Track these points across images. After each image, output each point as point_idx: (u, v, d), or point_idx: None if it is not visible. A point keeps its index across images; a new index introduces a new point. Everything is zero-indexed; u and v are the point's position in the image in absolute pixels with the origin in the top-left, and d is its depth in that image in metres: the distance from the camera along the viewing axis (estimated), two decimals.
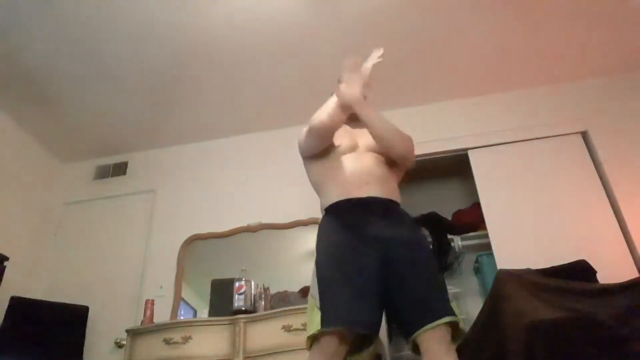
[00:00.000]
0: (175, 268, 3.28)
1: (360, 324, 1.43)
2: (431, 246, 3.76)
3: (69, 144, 3.81)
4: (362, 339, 1.52)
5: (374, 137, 1.77)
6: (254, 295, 2.78)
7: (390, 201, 1.68)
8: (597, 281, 2.42)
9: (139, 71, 3.16)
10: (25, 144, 3.61)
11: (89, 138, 3.76)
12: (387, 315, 1.60)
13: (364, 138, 1.85)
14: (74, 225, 3.67)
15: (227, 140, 3.82)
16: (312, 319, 1.47)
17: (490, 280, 2.79)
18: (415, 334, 1.44)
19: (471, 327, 2.39)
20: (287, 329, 2.39)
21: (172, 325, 2.59)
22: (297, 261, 3.10)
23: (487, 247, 3.11)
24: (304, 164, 1.91)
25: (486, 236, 3.14)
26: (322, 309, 1.44)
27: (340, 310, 1.43)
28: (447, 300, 1.48)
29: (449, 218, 3.92)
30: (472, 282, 3.72)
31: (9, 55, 2.98)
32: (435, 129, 3.46)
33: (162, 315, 2.97)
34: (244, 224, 3.36)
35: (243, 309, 2.66)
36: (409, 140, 1.80)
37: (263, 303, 2.78)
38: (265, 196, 3.45)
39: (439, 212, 3.86)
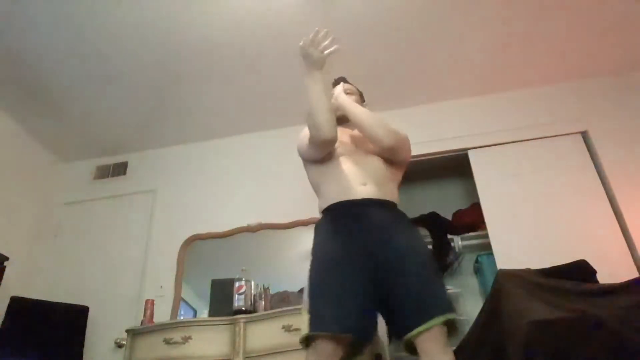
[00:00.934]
0: (175, 268, 3.28)
1: (347, 329, 1.43)
2: (430, 246, 3.76)
3: (69, 144, 3.81)
4: (359, 343, 1.51)
5: (360, 128, 1.78)
6: (254, 295, 2.79)
7: (386, 202, 1.68)
8: (597, 281, 2.41)
9: (139, 71, 3.16)
10: (25, 144, 3.61)
11: (89, 138, 3.76)
12: (384, 317, 1.60)
13: (362, 139, 1.85)
14: (74, 225, 3.67)
15: (227, 140, 3.82)
16: (303, 321, 1.49)
17: (490, 280, 2.80)
18: (408, 336, 1.43)
19: (471, 327, 2.39)
20: (287, 329, 2.39)
21: (172, 325, 2.58)
22: (297, 261, 3.10)
23: (487, 247, 3.11)
24: (304, 165, 1.92)
25: (486, 236, 3.14)
26: (311, 312, 1.47)
27: (327, 314, 1.44)
28: (443, 300, 1.46)
29: (449, 218, 3.92)
30: (472, 282, 3.72)
31: (9, 55, 2.98)
32: (435, 129, 3.46)
33: (162, 315, 2.97)
34: (244, 224, 3.36)
35: (243, 309, 2.66)
36: (395, 132, 1.77)
37: (263, 303, 2.78)
38: (265, 196, 3.46)
39: (439, 212, 3.87)
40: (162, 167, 3.81)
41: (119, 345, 2.99)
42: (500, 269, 2.49)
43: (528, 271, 2.41)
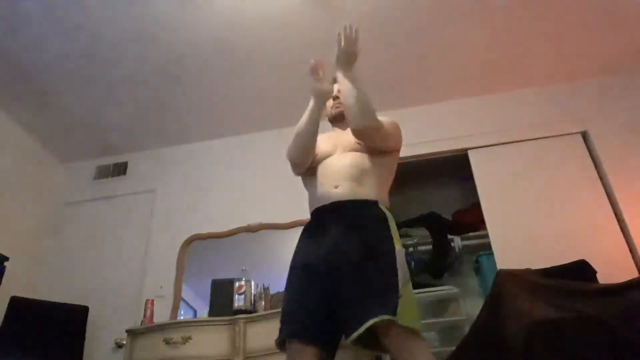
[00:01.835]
0: (175, 268, 3.28)
1: (305, 334, 1.47)
2: (431, 247, 3.76)
3: (69, 144, 3.81)
4: (327, 347, 1.51)
5: (343, 104, 1.77)
6: (254, 295, 2.78)
7: (357, 202, 1.64)
8: (597, 281, 2.41)
9: (139, 71, 3.16)
10: (25, 144, 3.61)
11: (89, 138, 3.76)
12: None
13: (343, 138, 1.84)
14: (74, 225, 3.67)
15: (227, 140, 3.82)
16: None
17: (490, 280, 2.79)
18: (349, 341, 1.40)
19: (471, 327, 2.39)
20: None
21: (172, 325, 2.59)
22: None
23: (487, 247, 3.11)
24: None
25: (486, 236, 3.14)
26: (280, 318, 1.57)
27: (288, 320, 1.53)
28: (384, 303, 1.37)
29: (449, 218, 3.92)
30: (472, 282, 3.72)
31: (10, 55, 2.98)
32: (435, 129, 3.46)
33: (162, 315, 2.97)
34: (244, 224, 3.36)
35: (243, 309, 2.66)
36: (371, 116, 1.68)
37: (263, 303, 2.78)
38: (265, 196, 3.45)
39: (439, 212, 3.87)
40: (162, 167, 3.81)
41: (119, 345, 2.99)
42: (500, 269, 2.49)
43: (528, 271, 2.42)
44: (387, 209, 1.69)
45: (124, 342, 2.69)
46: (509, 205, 3.10)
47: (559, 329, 1.92)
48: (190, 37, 2.93)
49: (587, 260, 2.48)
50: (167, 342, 2.47)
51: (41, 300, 3.02)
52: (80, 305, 3.10)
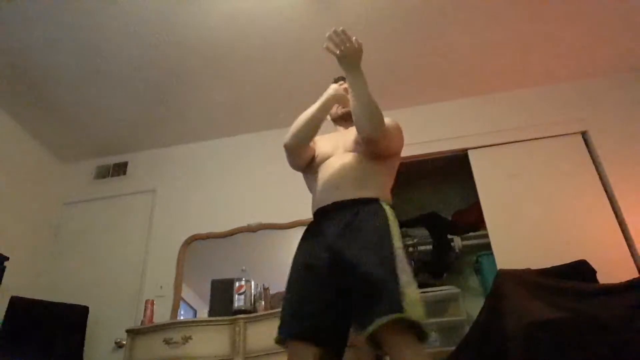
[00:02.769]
0: (175, 268, 3.28)
1: (306, 332, 1.48)
2: (431, 246, 3.76)
3: (69, 144, 3.81)
4: (330, 346, 1.52)
5: (352, 111, 1.74)
6: (254, 295, 2.78)
7: (358, 201, 1.63)
8: (597, 281, 2.42)
9: (139, 71, 3.16)
10: (25, 144, 3.61)
11: (89, 138, 3.76)
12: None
13: (344, 138, 1.84)
14: (74, 225, 3.67)
15: (227, 140, 3.82)
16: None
17: (490, 280, 2.80)
18: (363, 335, 1.40)
19: (471, 326, 2.40)
20: None
21: (172, 325, 2.59)
22: None
23: (487, 247, 3.11)
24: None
25: (486, 236, 3.14)
26: (280, 316, 1.57)
27: (289, 319, 1.54)
28: (391, 300, 1.37)
29: (449, 218, 3.92)
30: (472, 282, 3.73)
31: (10, 56, 2.98)
32: (435, 129, 3.46)
33: (162, 315, 2.97)
34: (244, 224, 3.36)
35: (243, 309, 2.66)
36: (380, 124, 1.68)
37: (263, 303, 2.78)
38: (265, 196, 3.45)
39: (439, 212, 3.87)
40: (162, 167, 3.81)
41: (119, 345, 2.99)
42: (500, 269, 2.50)
43: (528, 271, 2.42)
44: (390, 206, 1.68)
45: (124, 342, 2.68)
46: (509, 205, 3.10)
47: (559, 329, 1.92)
48: (191, 37, 2.93)
49: (587, 260, 2.49)
50: (167, 342, 2.47)
51: (41, 300, 3.02)
52: (80, 305, 3.10)
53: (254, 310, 2.71)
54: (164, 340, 2.48)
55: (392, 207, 1.71)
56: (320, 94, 2.06)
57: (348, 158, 1.74)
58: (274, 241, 3.27)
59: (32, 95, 3.30)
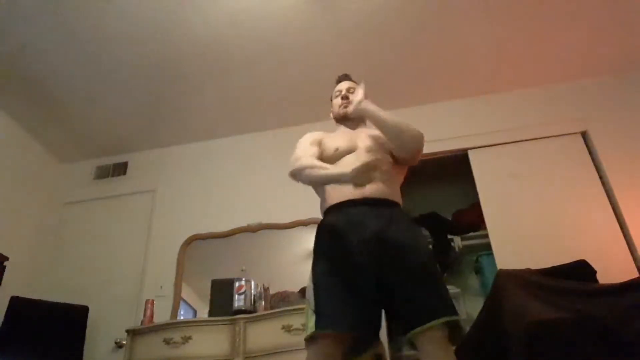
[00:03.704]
0: (175, 268, 3.28)
1: (351, 327, 1.45)
2: (431, 246, 3.76)
3: (69, 144, 3.81)
4: (362, 341, 1.52)
5: (388, 136, 1.77)
6: (254, 295, 2.78)
7: (387, 201, 1.67)
8: (597, 281, 2.41)
9: (139, 71, 3.16)
10: (25, 144, 3.61)
11: (89, 138, 3.76)
12: (386, 314, 1.61)
13: (362, 139, 1.84)
14: (74, 225, 3.67)
15: (227, 140, 3.82)
16: (308, 321, 1.52)
17: (490, 280, 2.79)
18: (409, 335, 1.44)
19: (471, 326, 2.39)
20: (287, 329, 2.39)
21: (172, 325, 2.59)
22: (297, 261, 3.10)
23: (487, 247, 3.11)
24: None
25: (486, 236, 3.14)
26: (316, 312, 1.50)
27: (332, 313, 1.48)
28: (444, 301, 1.46)
29: (449, 218, 3.92)
30: (472, 282, 3.73)
31: (10, 56, 2.98)
32: (435, 129, 3.44)
33: (162, 315, 2.97)
34: (244, 224, 3.36)
35: (243, 309, 2.66)
36: (419, 139, 1.78)
37: (263, 303, 2.78)
38: (265, 196, 3.45)
39: (439, 212, 3.87)
40: (162, 167, 3.81)
41: (119, 345, 2.99)
42: (500, 269, 2.49)
43: (528, 271, 2.42)
44: None
45: (124, 342, 2.68)
46: (509, 205, 3.09)
47: (559, 329, 1.92)
48: (191, 37, 2.93)
49: (587, 260, 2.48)
50: (167, 342, 2.47)
51: (41, 300, 3.02)
52: (80, 305, 3.10)
53: (254, 310, 2.71)
54: (163, 340, 2.48)
55: None
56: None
57: (373, 158, 1.72)
58: (274, 241, 3.26)
59: (32, 95, 3.30)
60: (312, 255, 1.68)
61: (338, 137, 1.87)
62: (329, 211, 1.71)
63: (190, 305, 3.18)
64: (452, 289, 3.39)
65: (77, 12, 2.73)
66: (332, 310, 1.48)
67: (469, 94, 3.54)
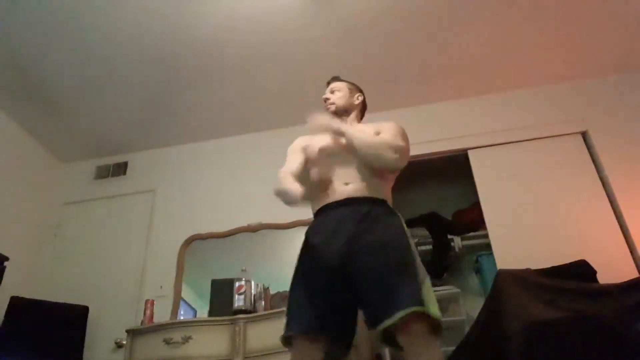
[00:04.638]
0: (175, 268, 3.28)
1: (316, 329, 1.46)
2: (431, 246, 3.76)
3: (69, 144, 3.81)
4: (337, 343, 1.51)
5: (363, 157, 1.70)
6: (254, 295, 2.78)
7: (368, 199, 1.65)
8: (597, 281, 2.41)
9: (139, 71, 3.16)
10: (25, 144, 3.61)
11: (89, 138, 3.76)
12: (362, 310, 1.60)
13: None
14: (74, 225, 3.67)
15: (226, 140, 3.82)
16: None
17: (490, 280, 2.80)
18: (378, 330, 1.41)
19: (471, 326, 2.40)
20: None
21: (172, 325, 2.59)
22: None
23: (487, 247, 3.11)
24: None
25: (486, 236, 3.14)
26: (286, 314, 1.55)
27: (297, 316, 1.51)
28: (409, 293, 1.39)
29: (449, 218, 3.93)
30: (472, 282, 3.73)
31: (10, 56, 2.98)
32: (435, 129, 3.46)
33: (162, 315, 2.97)
34: (244, 224, 3.36)
35: (243, 309, 2.66)
36: (399, 154, 1.69)
37: (263, 303, 2.78)
38: (266, 196, 3.40)
39: (439, 212, 3.87)
40: (162, 167, 3.81)
41: (119, 345, 2.99)
42: (500, 269, 2.49)
43: (528, 271, 2.42)
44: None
45: (124, 342, 2.68)
46: (509, 205, 3.10)
47: (559, 329, 1.92)
48: (190, 37, 2.93)
49: (587, 260, 2.49)
50: (167, 342, 2.47)
51: (41, 300, 3.02)
52: (80, 305, 3.10)
53: (254, 310, 2.71)
54: (164, 340, 2.48)
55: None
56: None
57: (355, 157, 1.73)
58: (274, 241, 3.27)
59: (32, 95, 3.30)
60: None
61: (323, 138, 1.86)
62: (316, 214, 1.74)
63: (190, 305, 3.18)
64: (452, 289, 3.40)
65: (78, 13, 2.73)
66: (298, 313, 1.52)
67: (469, 94, 3.54)
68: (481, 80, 3.43)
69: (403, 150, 1.74)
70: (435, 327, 1.41)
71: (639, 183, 2.99)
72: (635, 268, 2.73)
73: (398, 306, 1.36)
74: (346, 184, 1.69)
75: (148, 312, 2.82)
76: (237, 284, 2.75)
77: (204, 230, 3.41)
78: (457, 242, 3.69)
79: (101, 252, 3.48)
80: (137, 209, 3.63)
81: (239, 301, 2.70)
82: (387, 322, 1.36)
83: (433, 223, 3.80)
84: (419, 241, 3.78)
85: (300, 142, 1.92)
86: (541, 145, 3.25)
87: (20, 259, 3.20)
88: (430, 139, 3.39)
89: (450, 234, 3.75)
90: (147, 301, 2.88)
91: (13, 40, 2.88)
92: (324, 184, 1.69)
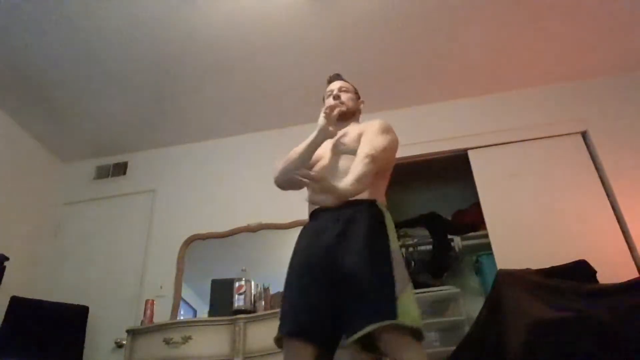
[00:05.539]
0: (175, 268, 3.28)
1: (303, 331, 1.47)
2: (430, 247, 3.76)
3: (69, 144, 3.81)
4: (327, 344, 1.51)
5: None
6: (254, 295, 2.79)
7: (356, 202, 1.61)
8: (597, 281, 2.41)
9: (139, 71, 3.16)
10: (25, 144, 3.61)
11: (89, 138, 3.76)
12: None
13: (338, 141, 1.83)
14: (74, 225, 3.67)
15: (227, 140, 3.82)
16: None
17: (490, 280, 2.80)
18: (348, 342, 1.40)
19: (471, 326, 2.39)
20: None
21: (172, 325, 2.59)
22: None
23: (487, 247, 3.11)
24: None
25: (486, 236, 3.13)
26: (279, 315, 1.56)
27: (288, 317, 1.53)
28: (382, 306, 1.37)
29: (449, 218, 3.92)
30: (472, 282, 3.73)
31: (10, 56, 2.98)
32: (435, 129, 3.45)
33: (162, 315, 2.97)
34: (244, 224, 3.36)
35: (243, 309, 2.66)
36: (357, 181, 1.56)
37: (263, 303, 2.78)
38: (265, 196, 3.44)
39: (439, 212, 3.87)
40: (162, 167, 3.81)
41: (119, 345, 2.99)
42: (500, 269, 2.49)
43: (528, 271, 2.42)
44: (385, 208, 1.69)
45: (124, 342, 2.68)
46: (509, 205, 3.09)
47: (559, 329, 1.92)
48: (190, 36, 2.92)
49: (587, 260, 2.48)
50: (167, 342, 2.47)
51: (41, 300, 3.02)
52: (80, 305, 3.10)
53: (254, 310, 2.71)
54: (164, 340, 2.48)
55: (390, 208, 1.72)
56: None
57: (343, 160, 1.74)
58: (274, 241, 3.26)
59: (32, 95, 3.30)
60: None
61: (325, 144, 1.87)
62: (309, 218, 1.76)
63: (190, 305, 3.18)
64: (452, 289, 3.40)
65: (78, 12, 2.73)
66: (288, 315, 1.54)
67: (469, 94, 3.54)
68: (481, 80, 3.43)
69: (379, 159, 1.65)
70: (414, 333, 1.38)
71: (639, 183, 2.99)
72: (635, 268, 2.73)
73: (369, 319, 1.36)
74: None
75: (148, 312, 2.83)
76: (237, 284, 2.75)
77: (204, 230, 3.41)
78: (457, 242, 3.68)
79: (101, 252, 3.48)
80: (137, 209, 3.63)
81: (239, 301, 2.70)
82: (356, 336, 1.36)
83: (433, 223, 3.80)
84: (418, 241, 3.78)
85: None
86: (541, 145, 3.25)
87: (20, 259, 3.20)
88: (430, 139, 3.39)
89: (450, 234, 3.75)
90: (147, 301, 2.89)
91: (13, 41, 2.88)
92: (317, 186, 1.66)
